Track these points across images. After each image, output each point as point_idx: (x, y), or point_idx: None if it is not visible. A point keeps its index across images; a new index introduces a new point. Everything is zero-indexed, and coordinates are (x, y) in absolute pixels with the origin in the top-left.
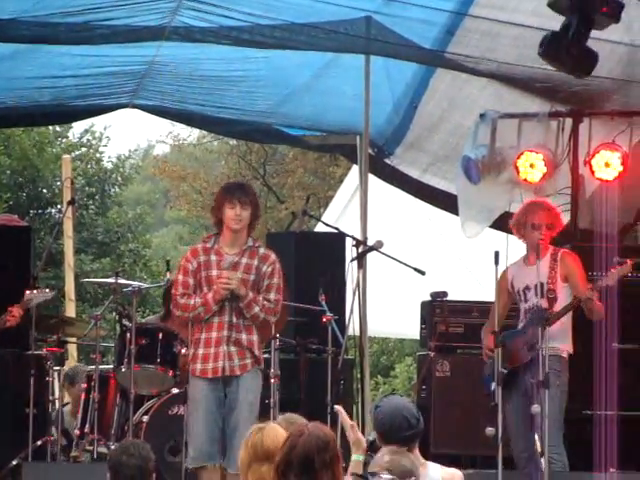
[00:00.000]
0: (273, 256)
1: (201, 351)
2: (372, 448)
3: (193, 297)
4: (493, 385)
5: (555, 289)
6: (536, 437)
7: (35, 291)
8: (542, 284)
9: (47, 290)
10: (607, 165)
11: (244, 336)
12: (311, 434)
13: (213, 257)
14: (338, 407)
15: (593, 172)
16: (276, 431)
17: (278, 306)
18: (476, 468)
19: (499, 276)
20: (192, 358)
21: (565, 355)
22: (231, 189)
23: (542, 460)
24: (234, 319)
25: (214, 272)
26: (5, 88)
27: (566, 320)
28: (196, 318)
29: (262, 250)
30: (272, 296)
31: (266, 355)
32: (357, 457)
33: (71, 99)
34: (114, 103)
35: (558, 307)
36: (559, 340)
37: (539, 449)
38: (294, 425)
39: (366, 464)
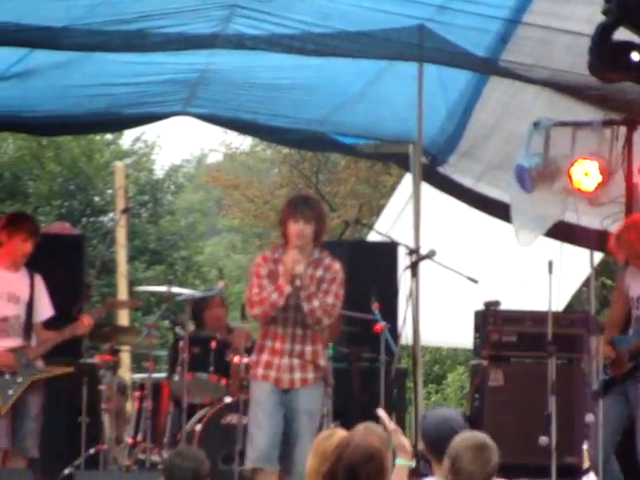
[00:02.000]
0: (337, 266)
1: (264, 357)
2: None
3: (265, 290)
4: (595, 386)
5: None
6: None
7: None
8: None
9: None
10: None
11: (308, 348)
12: (357, 445)
13: (280, 268)
14: (380, 411)
15: None
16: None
17: (334, 310)
18: (529, 477)
19: (617, 279)
20: (255, 364)
21: None
22: (295, 204)
23: (591, 474)
24: (298, 331)
25: (281, 282)
26: (57, 97)
27: None
28: (273, 306)
29: (327, 260)
30: (329, 299)
31: None
32: (400, 461)
33: (124, 107)
34: (167, 111)
35: None
36: None
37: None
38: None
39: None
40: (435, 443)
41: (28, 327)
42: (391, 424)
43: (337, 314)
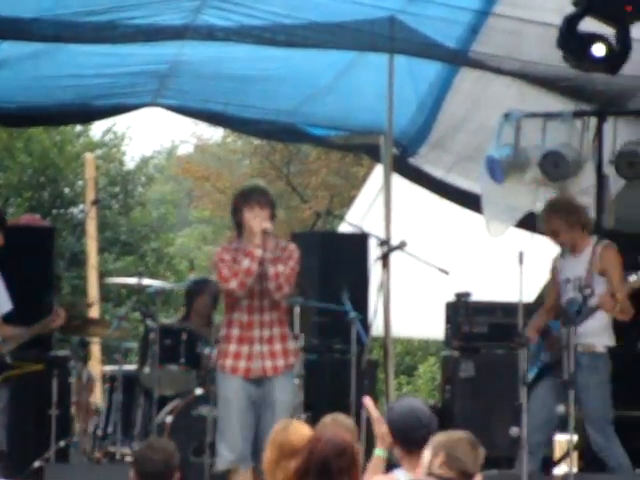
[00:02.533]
0: (292, 245)
1: (233, 348)
2: None
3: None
4: (529, 376)
5: (591, 284)
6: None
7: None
8: (580, 278)
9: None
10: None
11: (276, 330)
12: (329, 440)
13: (241, 256)
14: (366, 400)
15: None
16: (301, 428)
17: (291, 280)
18: (501, 469)
19: (551, 266)
20: (221, 354)
21: (601, 350)
22: (247, 192)
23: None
24: (265, 316)
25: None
26: (27, 87)
27: (600, 317)
28: (248, 273)
29: (283, 243)
30: (287, 270)
31: None
32: (379, 452)
33: (94, 98)
34: (137, 102)
35: (594, 302)
36: (593, 336)
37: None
38: (342, 425)
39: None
40: (402, 433)
41: None
42: (375, 412)
43: (292, 287)
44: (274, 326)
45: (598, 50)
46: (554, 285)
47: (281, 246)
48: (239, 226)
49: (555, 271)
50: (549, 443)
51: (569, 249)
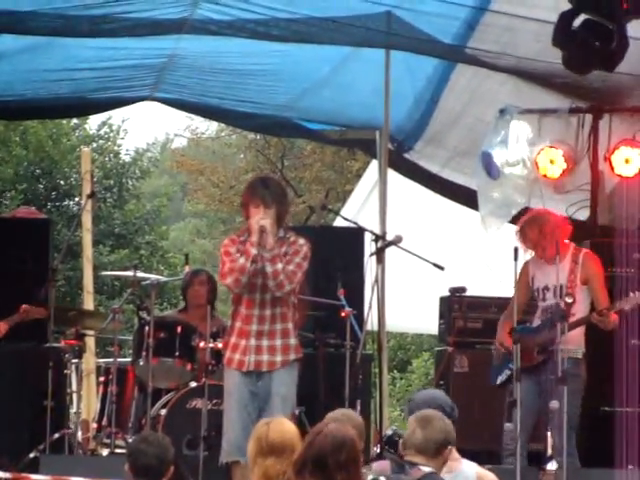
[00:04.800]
0: (302, 241)
1: (232, 340)
2: (390, 443)
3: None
4: (499, 378)
5: (574, 292)
6: (549, 435)
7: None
8: (562, 286)
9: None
10: (627, 161)
11: (278, 326)
12: (328, 434)
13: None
14: None
15: (613, 168)
16: (283, 425)
17: (295, 277)
18: (494, 464)
19: (519, 270)
20: (224, 346)
21: (580, 356)
22: (254, 188)
23: (554, 461)
24: (266, 311)
25: (248, 263)
26: (23, 80)
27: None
28: (242, 271)
29: (292, 237)
30: (290, 267)
31: None
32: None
33: (90, 92)
34: (133, 96)
35: (576, 309)
36: (574, 342)
37: (550, 448)
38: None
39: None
40: None
41: None
42: None
43: (298, 284)
44: (276, 321)
45: (594, 47)
46: (523, 289)
47: (290, 241)
48: (248, 219)
49: (526, 278)
50: (539, 439)
51: (546, 257)
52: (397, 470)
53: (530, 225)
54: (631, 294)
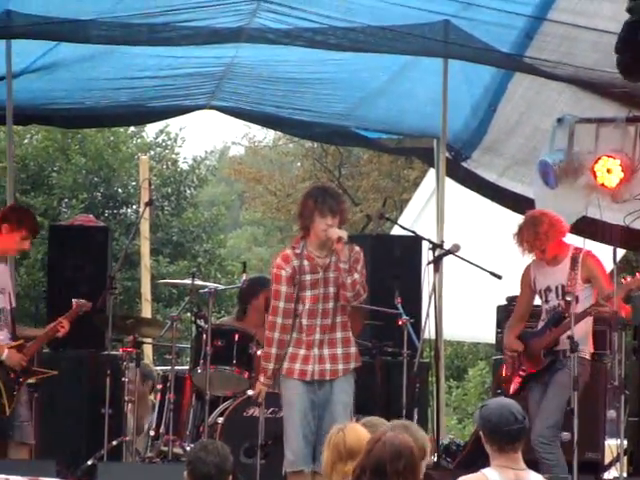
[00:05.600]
0: (357, 248)
1: (290, 350)
2: (446, 451)
3: (283, 343)
4: (512, 387)
5: (575, 291)
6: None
7: (82, 300)
8: (563, 286)
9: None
10: None
11: (339, 335)
12: (386, 442)
13: (305, 262)
14: None
15: None
16: (357, 430)
17: (366, 286)
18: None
19: (522, 273)
20: (266, 357)
21: (587, 356)
22: (321, 197)
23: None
24: (328, 320)
25: (308, 277)
26: (82, 89)
27: (585, 323)
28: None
29: (349, 245)
30: (356, 275)
31: None
32: None
33: (149, 100)
34: (192, 104)
35: (578, 308)
36: (581, 342)
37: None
38: (374, 428)
39: None
40: (496, 427)
41: (13, 319)
42: None
43: (364, 291)
44: (337, 330)
45: None
46: (527, 294)
47: (349, 249)
48: (306, 229)
49: (529, 280)
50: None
51: (549, 260)
52: None
53: (525, 226)
54: (623, 281)
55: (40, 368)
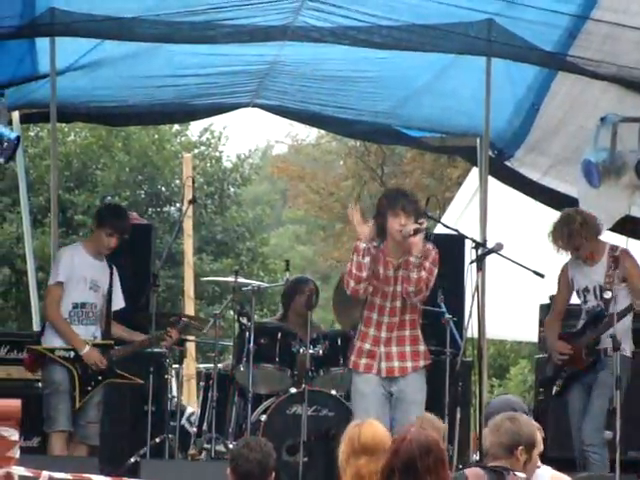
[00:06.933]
0: (429, 245)
1: (358, 344)
2: None
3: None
4: (554, 389)
5: (612, 290)
6: None
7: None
8: (600, 286)
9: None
10: None
11: (407, 333)
12: (413, 439)
13: (380, 255)
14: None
15: None
16: (374, 427)
17: (430, 284)
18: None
19: (560, 271)
20: (351, 350)
21: (628, 354)
22: (395, 197)
23: None
24: (395, 318)
25: (380, 269)
26: (126, 87)
27: (625, 321)
28: (359, 268)
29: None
30: (423, 272)
31: None
32: None
33: (192, 98)
34: (235, 102)
35: (617, 307)
36: (621, 340)
37: None
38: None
39: None
40: None
41: (103, 317)
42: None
43: (430, 289)
44: (405, 327)
45: None
46: (564, 292)
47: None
48: (381, 229)
49: (566, 279)
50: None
51: (585, 259)
52: (492, 477)
53: (559, 225)
54: None
55: (125, 373)
